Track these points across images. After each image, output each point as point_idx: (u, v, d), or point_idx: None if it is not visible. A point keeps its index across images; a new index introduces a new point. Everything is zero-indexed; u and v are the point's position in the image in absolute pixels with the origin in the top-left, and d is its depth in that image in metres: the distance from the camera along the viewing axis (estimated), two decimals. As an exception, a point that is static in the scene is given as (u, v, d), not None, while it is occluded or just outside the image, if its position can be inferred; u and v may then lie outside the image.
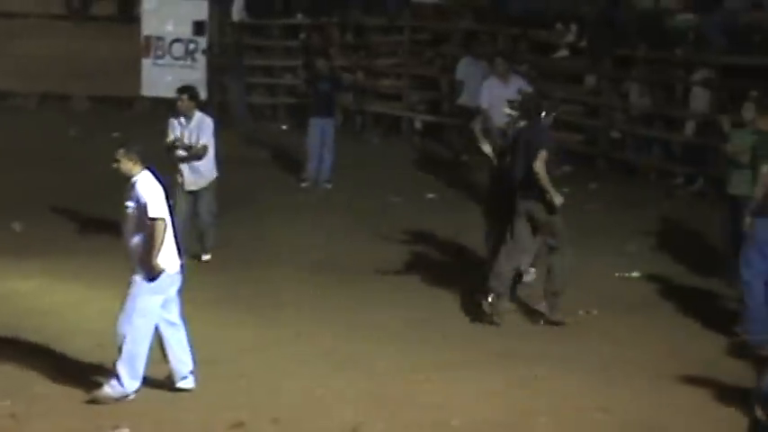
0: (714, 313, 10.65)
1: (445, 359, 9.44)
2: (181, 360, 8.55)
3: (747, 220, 9.89)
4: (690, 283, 11.53)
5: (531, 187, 10.06)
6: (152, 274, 8.28)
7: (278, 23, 21.07)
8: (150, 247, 8.24)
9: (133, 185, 8.39)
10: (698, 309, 10.76)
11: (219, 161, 12.19)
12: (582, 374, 9.17)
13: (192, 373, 8.57)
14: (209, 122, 12.00)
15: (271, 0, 21.05)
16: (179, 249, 8.56)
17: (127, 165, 8.43)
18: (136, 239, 8.34)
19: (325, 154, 15.87)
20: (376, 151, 18.30)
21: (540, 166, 9.95)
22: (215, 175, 12.11)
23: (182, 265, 8.58)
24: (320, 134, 15.85)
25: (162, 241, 8.24)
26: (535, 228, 10.23)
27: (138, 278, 8.36)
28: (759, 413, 4.92)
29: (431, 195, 15.39)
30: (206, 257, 12.11)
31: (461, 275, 11.54)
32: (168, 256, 8.36)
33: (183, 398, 8.47)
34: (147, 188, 8.34)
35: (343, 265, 12.15)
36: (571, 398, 8.71)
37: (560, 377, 9.09)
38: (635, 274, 11.85)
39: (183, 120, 11.95)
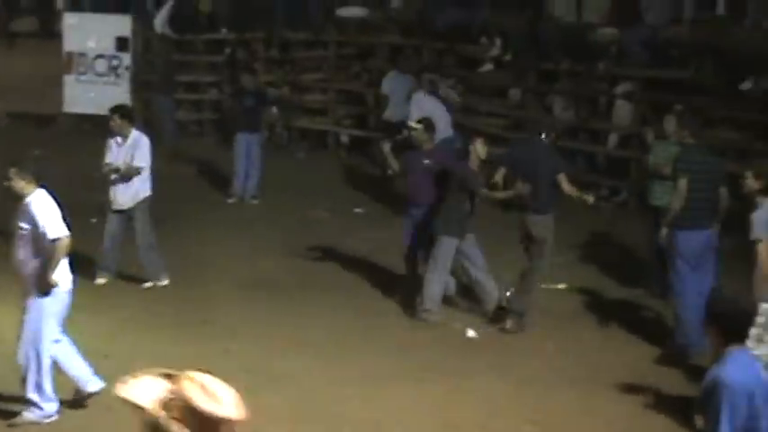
0: (642, 324, 10.78)
1: (376, 373, 9.44)
2: (78, 368, 8.47)
3: (663, 231, 10.03)
4: (616, 295, 11.65)
5: (538, 205, 10.47)
6: (46, 290, 8.13)
7: (202, 39, 20.98)
8: (49, 266, 8.08)
9: (26, 205, 8.16)
10: (625, 319, 10.88)
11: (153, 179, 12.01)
12: (512, 387, 9.23)
13: (93, 374, 8.49)
14: (145, 142, 11.79)
15: (194, 15, 20.96)
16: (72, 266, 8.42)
17: (19, 184, 8.20)
18: (34, 262, 8.15)
19: (250, 169, 15.82)
20: (302, 166, 18.28)
21: (566, 186, 10.51)
22: (146, 195, 11.85)
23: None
24: (246, 149, 15.80)
25: (60, 260, 8.11)
26: (528, 243, 10.62)
27: (34, 301, 8.18)
28: (699, 423, 4.98)
29: (358, 210, 15.41)
30: (163, 282, 11.82)
31: (388, 289, 11.56)
32: (62, 274, 8.23)
33: (112, 412, 8.38)
34: (42, 208, 8.13)
35: (270, 280, 12.11)
36: (502, 411, 8.76)
37: (491, 390, 9.14)
38: (561, 285, 11.95)
39: (119, 139, 11.75)
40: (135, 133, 11.78)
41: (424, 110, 14.57)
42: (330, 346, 10.10)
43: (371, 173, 17.56)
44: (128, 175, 11.66)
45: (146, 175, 11.77)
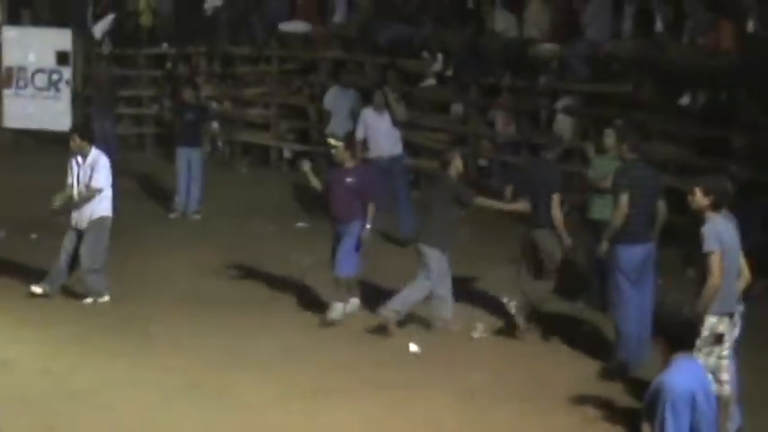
0: (584, 337, 10.84)
1: (319, 388, 9.43)
2: None
3: (603, 246, 10.11)
4: (556, 309, 11.71)
5: (540, 220, 10.98)
6: None
7: (143, 53, 20.87)
8: None
9: None
10: (567, 333, 10.94)
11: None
12: (455, 400, 9.25)
13: None
14: (104, 162, 11.70)
15: (136, 30, 20.85)
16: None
17: None
18: None
19: (192, 184, 15.75)
20: (245, 181, 18.23)
21: (555, 210, 10.95)
22: (102, 215, 11.70)
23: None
24: (187, 164, 15.73)
25: None
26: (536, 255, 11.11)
27: None
28: (645, 430, 5.04)
29: (301, 224, 15.39)
30: (104, 299, 11.70)
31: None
32: None
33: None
34: None
35: (213, 295, 12.06)
36: (444, 425, 8.77)
37: (434, 404, 9.15)
38: (504, 299, 12.00)
39: (79, 158, 11.69)
40: (94, 152, 11.75)
41: (371, 127, 14.63)
42: (273, 361, 10.07)
43: (314, 187, 17.55)
44: (85, 200, 11.59)
45: (105, 194, 11.70)
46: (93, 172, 11.62)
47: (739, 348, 8.61)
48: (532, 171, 11.51)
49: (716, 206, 8.40)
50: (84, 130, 12.04)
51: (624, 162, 10.31)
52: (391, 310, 10.84)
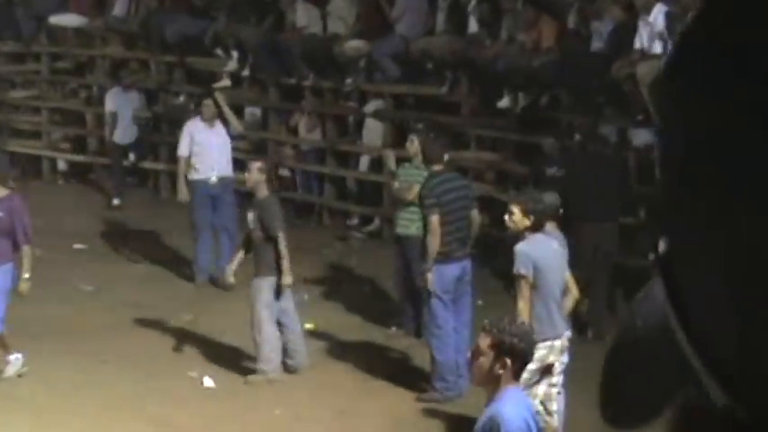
0: (397, 366, 10.96)
1: (99, 430, 9.26)
2: None
3: (427, 275, 10.15)
4: (368, 334, 11.81)
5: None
6: None
7: None
8: None
9: None
10: (379, 362, 11.04)
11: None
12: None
13: None
14: None
15: None
16: None
17: None
18: None
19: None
20: (12, 196, 17.76)
21: None
22: None
23: None
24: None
25: None
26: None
27: None
28: None
29: (78, 246, 15.09)
30: None
31: (112, 332, 11.38)
32: None
33: None
34: None
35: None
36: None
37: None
38: (308, 326, 12.04)
39: None
40: None
41: (200, 142, 13.43)
42: (43, 400, 9.84)
43: (94, 203, 17.28)
44: None
45: None
46: None
47: (567, 381, 8.85)
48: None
49: (537, 227, 8.61)
50: None
51: (430, 175, 10.42)
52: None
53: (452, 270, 10.13)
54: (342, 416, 9.82)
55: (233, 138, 13.76)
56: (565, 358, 8.78)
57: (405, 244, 11.30)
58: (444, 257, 10.10)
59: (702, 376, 0.88)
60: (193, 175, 13.44)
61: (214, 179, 13.37)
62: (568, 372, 8.82)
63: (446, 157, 10.61)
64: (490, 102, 14.43)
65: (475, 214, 10.38)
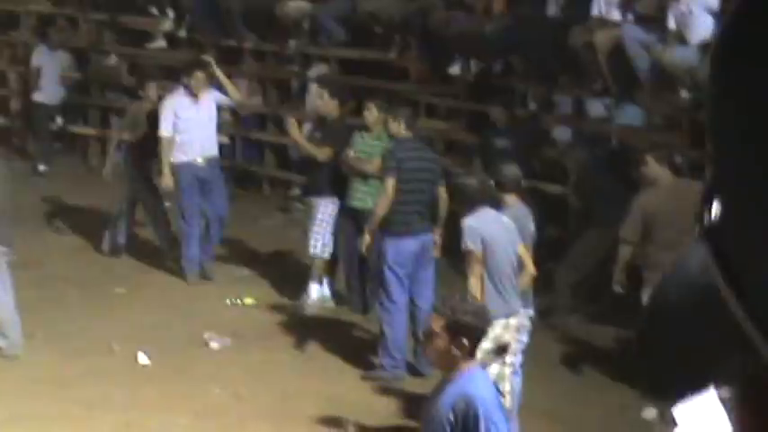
0: (343, 343, 10.98)
1: (29, 413, 9.21)
2: None
3: (366, 239, 10.25)
4: (314, 310, 11.83)
5: None
6: None
7: None
8: None
9: None
10: (324, 338, 11.06)
11: None
12: (190, 421, 9.21)
13: None
14: None
15: None
16: None
17: None
18: None
19: None
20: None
21: None
22: None
23: None
24: None
25: None
26: None
27: None
28: None
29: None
30: None
31: (44, 305, 11.35)
32: None
33: None
34: None
35: None
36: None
37: (166, 425, 9.12)
38: (249, 300, 12.06)
39: None
40: None
41: (184, 118, 12.50)
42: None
43: (18, 168, 17.13)
44: None
45: None
46: None
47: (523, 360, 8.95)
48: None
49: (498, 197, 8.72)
50: None
51: (396, 141, 10.46)
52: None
53: (410, 245, 10.16)
54: (283, 395, 9.83)
55: (231, 108, 13.24)
56: (524, 337, 8.87)
57: (360, 218, 11.32)
58: (402, 230, 10.13)
59: (759, 342, 0.91)
60: (179, 158, 12.52)
61: (200, 160, 12.61)
62: (527, 352, 8.95)
63: (415, 125, 10.70)
64: (441, 68, 14.46)
65: (442, 191, 10.30)
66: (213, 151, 12.80)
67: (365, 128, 11.47)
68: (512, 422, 8.84)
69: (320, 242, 11.64)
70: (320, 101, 11.93)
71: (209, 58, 13.00)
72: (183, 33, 17.11)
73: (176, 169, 12.54)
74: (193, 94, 12.54)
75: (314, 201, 11.78)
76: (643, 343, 1.08)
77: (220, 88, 12.87)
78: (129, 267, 13.05)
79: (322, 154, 11.59)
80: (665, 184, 9.75)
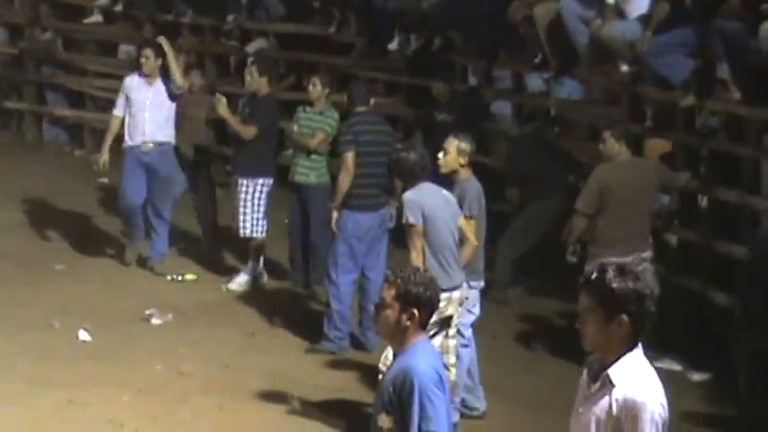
0: (290, 317, 11.05)
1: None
2: None
3: (335, 215, 10.30)
4: (251, 285, 11.90)
5: None
6: None
7: None
8: None
9: None
10: (268, 313, 11.14)
11: None
12: (132, 398, 9.25)
13: None
14: None
15: None
16: None
17: None
18: None
19: None
20: None
21: None
22: None
23: None
24: None
25: None
26: None
27: None
28: (386, 424, 5.23)
29: None
30: None
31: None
32: None
33: None
34: None
35: None
36: (122, 426, 8.79)
37: (109, 403, 9.13)
38: (190, 276, 12.11)
39: None
40: None
41: (137, 100, 12.11)
42: None
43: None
44: None
45: None
46: None
47: (475, 332, 9.09)
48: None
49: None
50: None
51: (352, 114, 10.55)
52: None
53: (369, 219, 10.25)
54: (226, 369, 9.90)
55: (173, 97, 12.26)
56: (476, 309, 9.02)
57: (303, 193, 11.40)
58: (363, 204, 10.22)
59: None
60: (126, 141, 12.18)
61: (150, 145, 12.13)
62: (475, 325, 9.11)
63: (372, 101, 10.77)
64: (380, 43, 14.55)
65: None
66: (164, 137, 12.22)
67: (309, 103, 11.56)
68: (476, 392, 9.05)
69: (249, 223, 11.69)
70: (249, 78, 11.91)
71: (162, 38, 12.44)
72: (119, 8, 17.08)
73: (124, 152, 12.24)
74: (145, 76, 12.17)
75: (240, 180, 11.75)
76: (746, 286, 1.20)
77: (166, 74, 12.24)
78: (69, 243, 13.04)
79: (248, 132, 11.60)
80: (622, 161, 9.93)
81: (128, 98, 12.14)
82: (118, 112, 12.23)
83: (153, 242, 12.36)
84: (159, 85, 12.19)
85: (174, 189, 12.55)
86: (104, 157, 12.32)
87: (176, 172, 12.58)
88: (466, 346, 8.95)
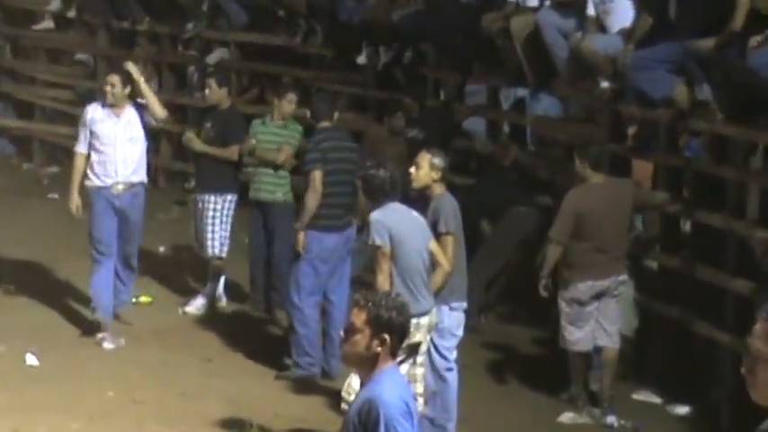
0: (251, 342, 11.03)
1: None
2: None
3: (299, 234, 10.26)
4: (208, 309, 11.87)
5: None
6: None
7: None
8: None
9: None
10: (229, 338, 11.12)
11: None
12: (82, 424, 9.21)
13: None
14: None
15: None
16: None
17: None
18: None
19: None
20: None
21: None
22: None
23: None
24: None
25: None
26: None
27: None
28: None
29: None
30: None
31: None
32: None
33: None
34: None
35: None
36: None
37: (58, 429, 9.10)
38: (143, 299, 12.06)
39: None
40: None
41: (102, 135, 10.94)
42: None
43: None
44: None
45: None
46: None
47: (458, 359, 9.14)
48: None
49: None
50: None
51: (317, 131, 10.53)
52: None
53: (334, 239, 10.24)
54: (182, 397, 9.85)
55: (149, 132, 11.37)
56: (460, 332, 9.05)
57: (268, 211, 11.36)
58: (328, 225, 10.21)
59: None
60: (92, 181, 11.01)
61: (120, 187, 11.01)
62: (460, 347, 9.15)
63: (336, 115, 10.75)
64: (348, 56, 14.54)
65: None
66: (138, 178, 11.10)
67: (269, 115, 11.57)
68: (450, 413, 9.04)
69: (218, 241, 11.68)
70: (208, 90, 11.90)
71: (130, 64, 11.35)
72: (71, 13, 17.04)
73: (89, 193, 11.05)
74: (111, 106, 11.01)
75: (207, 196, 11.74)
76: None
77: (140, 104, 11.20)
78: (16, 265, 12.97)
79: (232, 154, 11.62)
80: (596, 183, 9.93)
81: (91, 132, 10.95)
82: (81, 148, 11.02)
83: (118, 292, 11.33)
84: (129, 116, 11.05)
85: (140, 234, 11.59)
86: (76, 201, 11.10)
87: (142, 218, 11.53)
88: (450, 369, 8.95)
